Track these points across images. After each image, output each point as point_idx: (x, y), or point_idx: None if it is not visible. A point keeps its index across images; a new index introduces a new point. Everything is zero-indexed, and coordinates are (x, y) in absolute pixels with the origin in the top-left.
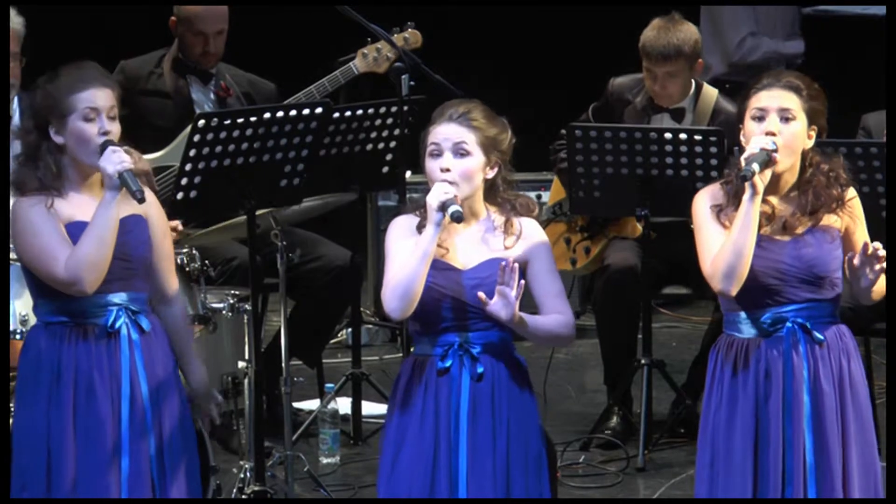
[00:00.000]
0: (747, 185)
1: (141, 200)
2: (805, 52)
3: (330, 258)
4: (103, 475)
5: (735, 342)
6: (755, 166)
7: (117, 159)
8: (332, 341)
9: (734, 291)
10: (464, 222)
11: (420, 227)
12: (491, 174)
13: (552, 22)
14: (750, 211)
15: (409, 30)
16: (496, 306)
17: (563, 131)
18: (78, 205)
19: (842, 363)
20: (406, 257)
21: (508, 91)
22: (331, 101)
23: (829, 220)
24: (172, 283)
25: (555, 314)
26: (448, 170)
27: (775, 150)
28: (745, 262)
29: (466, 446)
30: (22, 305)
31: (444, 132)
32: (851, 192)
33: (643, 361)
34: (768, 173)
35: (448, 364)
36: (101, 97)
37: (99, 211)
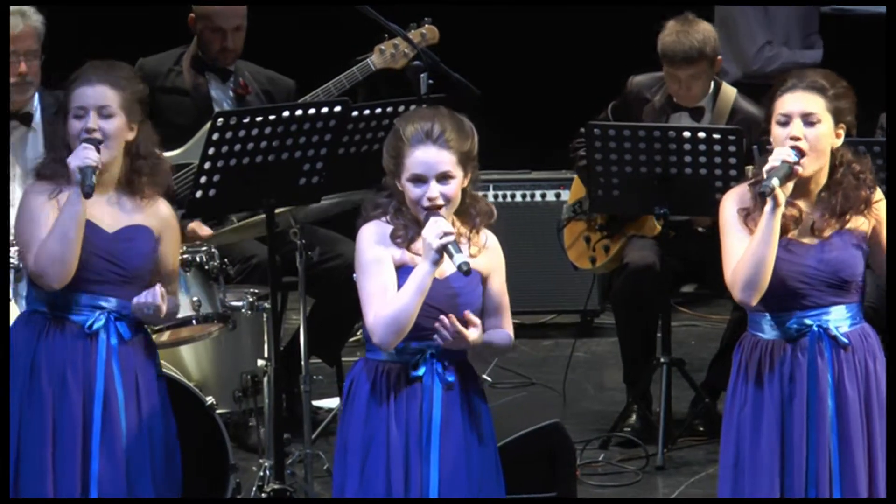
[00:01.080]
0: (769, 198)
1: (86, 195)
2: (822, 53)
3: (349, 256)
4: (69, 475)
5: (759, 343)
6: (775, 181)
7: (82, 155)
8: (352, 339)
9: (754, 302)
10: None
11: (395, 236)
12: (466, 183)
13: (571, 20)
14: (770, 223)
15: (427, 26)
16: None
17: (583, 130)
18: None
19: (867, 363)
20: (400, 292)
21: (528, 90)
22: (349, 100)
23: (857, 222)
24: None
25: (501, 330)
26: (436, 197)
27: (798, 162)
28: (764, 274)
29: (438, 456)
30: None
31: (426, 159)
32: (879, 195)
33: (662, 360)
34: (790, 185)
35: (421, 373)
36: (92, 96)
37: (65, 207)
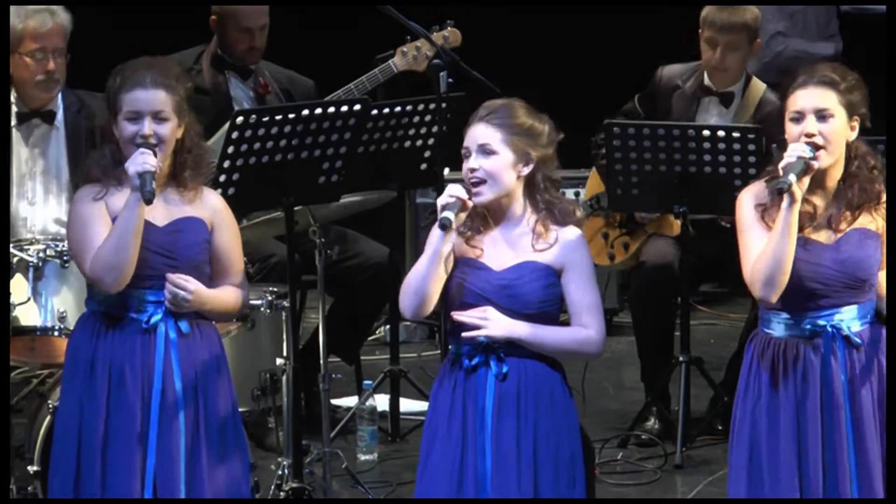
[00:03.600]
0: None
1: (147, 202)
2: (842, 51)
3: (368, 255)
4: (127, 470)
5: (772, 341)
6: (791, 177)
7: (140, 160)
8: (371, 338)
9: (774, 298)
10: (500, 222)
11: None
12: (525, 171)
13: (590, 19)
14: (788, 218)
15: (449, 28)
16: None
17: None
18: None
19: (880, 360)
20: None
21: (545, 89)
22: (369, 99)
23: (867, 221)
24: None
25: (578, 327)
26: (475, 170)
27: (813, 157)
28: (784, 270)
29: (491, 447)
30: (60, 302)
31: (471, 134)
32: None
33: (681, 359)
34: (807, 180)
35: (475, 362)
36: (146, 101)
37: (122, 213)
